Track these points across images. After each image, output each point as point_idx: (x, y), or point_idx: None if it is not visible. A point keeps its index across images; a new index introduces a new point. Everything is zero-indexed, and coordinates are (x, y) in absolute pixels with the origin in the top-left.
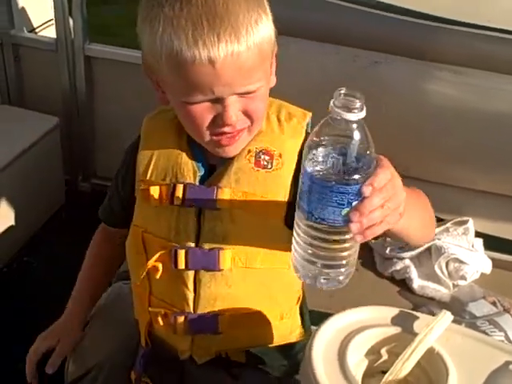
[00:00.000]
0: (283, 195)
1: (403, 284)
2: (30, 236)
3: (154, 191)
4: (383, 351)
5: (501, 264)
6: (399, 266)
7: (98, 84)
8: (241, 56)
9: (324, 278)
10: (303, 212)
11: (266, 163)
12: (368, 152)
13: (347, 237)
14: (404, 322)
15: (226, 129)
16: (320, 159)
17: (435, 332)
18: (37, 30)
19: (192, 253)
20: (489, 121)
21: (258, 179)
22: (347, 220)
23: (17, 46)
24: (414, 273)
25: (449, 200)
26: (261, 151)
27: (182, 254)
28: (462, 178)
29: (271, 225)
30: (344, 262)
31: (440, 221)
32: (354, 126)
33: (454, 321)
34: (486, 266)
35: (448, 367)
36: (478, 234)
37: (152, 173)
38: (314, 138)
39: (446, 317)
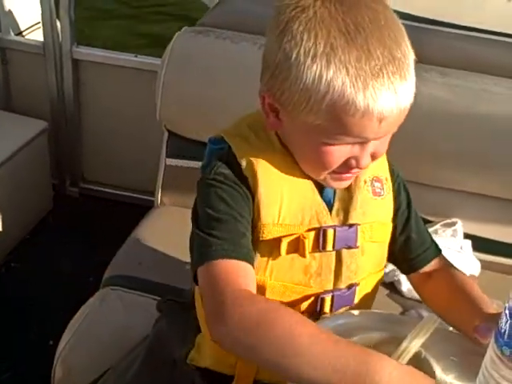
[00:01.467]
0: (391, 217)
1: (392, 287)
2: (18, 241)
3: (307, 239)
4: None
5: (489, 265)
6: (388, 268)
7: (85, 87)
8: (405, 111)
9: None
10: None
11: (379, 190)
12: None
13: None
14: (391, 326)
15: (355, 170)
16: None
17: (422, 336)
18: (24, 33)
19: (338, 296)
20: (475, 122)
21: (379, 208)
22: None
23: (4, 49)
24: (402, 276)
25: (437, 201)
26: (373, 179)
27: (328, 299)
28: (449, 180)
29: (384, 248)
30: None
31: (428, 222)
32: None
33: (442, 324)
34: (475, 268)
35: (435, 371)
36: (466, 236)
37: (285, 216)
38: None
39: (432, 321)
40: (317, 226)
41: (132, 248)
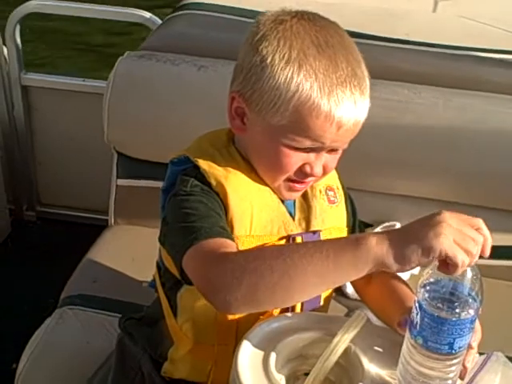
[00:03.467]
0: (345, 222)
1: (338, 289)
2: None
3: None
4: (306, 354)
5: (428, 264)
6: None
7: (36, 113)
8: (359, 124)
9: None
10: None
11: (333, 198)
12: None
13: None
14: (325, 325)
15: (308, 179)
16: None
17: (351, 333)
18: None
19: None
20: (403, 131)
21: (335, 214)
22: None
23: None
24: None
25: (376, 206)
26: (326, 188)
27: (298, 304)
28: (384, 185)
29: None
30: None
31: (369, 226)
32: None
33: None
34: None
35: (363, 364)
36: None
37: (256, 227)
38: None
39: (360, 317)
40: (285, 234)
41: (87, 267)
